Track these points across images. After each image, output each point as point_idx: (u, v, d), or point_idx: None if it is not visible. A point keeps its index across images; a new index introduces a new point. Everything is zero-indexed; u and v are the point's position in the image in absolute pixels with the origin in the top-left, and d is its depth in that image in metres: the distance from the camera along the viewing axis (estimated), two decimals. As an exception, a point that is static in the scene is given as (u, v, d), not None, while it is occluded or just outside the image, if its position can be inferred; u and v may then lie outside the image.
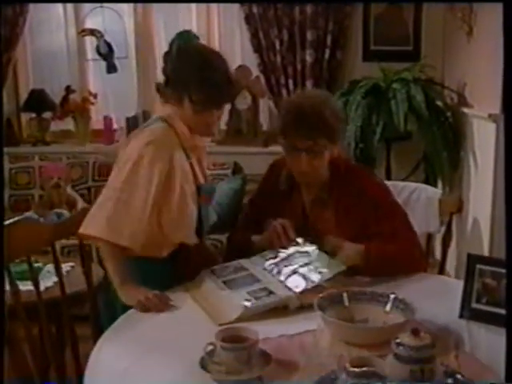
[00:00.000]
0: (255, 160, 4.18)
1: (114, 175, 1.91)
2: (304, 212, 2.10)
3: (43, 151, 4.40)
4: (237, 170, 4.02)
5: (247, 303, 1.71)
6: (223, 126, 4.51)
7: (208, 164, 4.00)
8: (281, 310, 1.72)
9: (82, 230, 1.85)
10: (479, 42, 3.43)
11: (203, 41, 4.41)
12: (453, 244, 3.42)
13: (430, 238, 2.39)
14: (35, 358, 1.86)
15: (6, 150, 4.29)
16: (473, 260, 1.68)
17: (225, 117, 4.49)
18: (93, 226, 1.83)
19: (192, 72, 1.93)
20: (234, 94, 2.04)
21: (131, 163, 1.86)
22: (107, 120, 4.55)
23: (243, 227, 2.20)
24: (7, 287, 1.82)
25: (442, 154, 3.69)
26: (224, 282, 1.85)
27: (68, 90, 4.49)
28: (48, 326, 1.96)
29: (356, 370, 1.18)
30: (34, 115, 4.55)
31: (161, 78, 4.57)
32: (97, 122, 4.65)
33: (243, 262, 1.95)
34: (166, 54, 2.03)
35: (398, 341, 1.29)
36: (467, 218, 3.47)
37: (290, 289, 1.76)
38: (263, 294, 1.75)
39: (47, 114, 4.55)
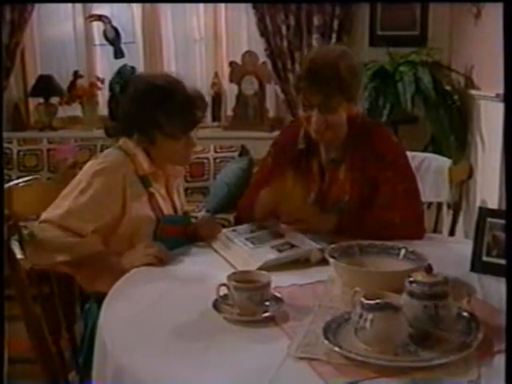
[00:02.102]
0: (261, 145, 4.17)
1: (60, 198, 1.84)
2: (322, 173, 2.06)
3: (50, 136, 4.43)
4: (243, 152, 4.03)
5: (270, 254, 1.73)
6: (230, 112, 4.53)
7: (215, 148, 4.07)
8: (301, 263, 1.73)
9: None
10: (487, 23, 3.44)
11: (209, 28, 4.49)
12: (460, 226, 3.43)
13: (439, 208, 2.39)
14: (47, 317, 1.87)
15: (13, 134, 4.35)
16: (483, 213, 1.68)
17: (232, 102, 4.51)
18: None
19: (156, 108, 1.87)
20: (204, 106, 1.98)
21: (77, 191, 1.81)
22: (114, 106, 4.57)
23: (255, 189, 2.13)
24: (19, 255, 1.84)
25: (450, 137, 3.69)
26: (246, 239, 1.87)
27: (75, 75, 4.52)
28: (59, 286, 1.96)
29: (370, 302, 1.19)
30: (41, 100, 4.58)
31: (168, 62, 4.60)
32: (104, 109, 4.66)
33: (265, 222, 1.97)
34: (114, 100, 1.96)
35: (411, 279, 1.30)
36: (475, 200, 3.46)
37: (312, 243, 1.78)
38: (286, 247, 1.78)
39: (55, 100, 4.57)
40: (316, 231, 1.88)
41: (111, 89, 1.79)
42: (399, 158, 2.01)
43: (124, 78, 1.90)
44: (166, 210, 1.98)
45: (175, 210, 2.05)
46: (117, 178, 1.84)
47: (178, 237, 1.95)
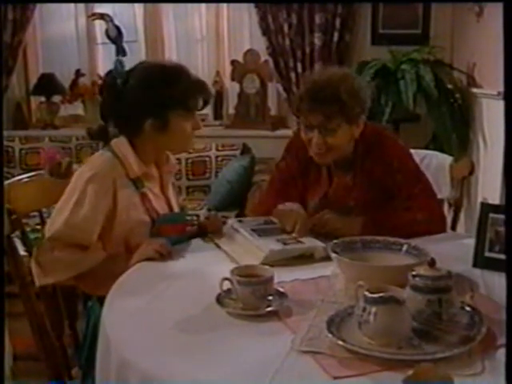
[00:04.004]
0: (263, 143, 4.20)
1: (57, 210, 1.84)
2: (330, 177, 2.07)
3: (52, 135, 4.45)
4: (245, 150, 4.04)
5: (275, 246, 1.73)
6: (232, 110, 4.54)
7: (216, 146, 4.07)
8: (304, 258, 1.73)
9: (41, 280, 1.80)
10: (489, 22, 3.44)
11: (211, 26, 4.49)
12: (461, 223, 3.42)
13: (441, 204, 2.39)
14: (49, 314, 1.87)
15: (15, 133, 4.36)
16: (486, 209, 1.68)
17: (233, 101, 4.52)
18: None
19: (171, 86, 1.85)
20: (209, 90, 1.98)
21: (72, 203, 1.80)
22: (116, 104, 4.57)
23: (271, 193, 2.16)
24: (23, 253, 1.84)
25: (451, 135, 3.69)
26: (253, 230, 1.86)
27: (77, 73, 4.54)
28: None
29: (374, 295, 1.19)
30: (43, 99, 4.59)
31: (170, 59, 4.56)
32: (106, 107, 4.68)
33: (272, 218, 1.97)
34: (115, 94, 1.91)
35: (414, 273, 1.30)
36: (476, 196, 3.47)
37: (317, 241, 1.79)
38: (291, 241, 1.78)
39: (57, 98, 4.60)
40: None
41: (110, 85, 1.75)
42: (407, 162, 2.03)
43: (124, 70, 1.88)
44: (161, 208, 1.95)
45: (170, 207, 2.03)
46: (108, 183, 1.82)
47: (176, 234, 1.93)
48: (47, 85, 4.53)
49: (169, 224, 1.93)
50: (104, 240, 1.86)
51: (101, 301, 1.62)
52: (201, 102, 1.93)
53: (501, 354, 1.18)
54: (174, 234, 1.92)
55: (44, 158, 4.10)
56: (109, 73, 1.98)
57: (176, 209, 2.05)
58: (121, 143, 1.90)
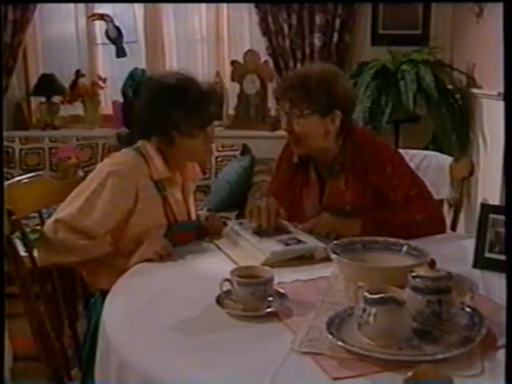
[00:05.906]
0: (263, 144, 4.20)
1: (72, 196, 1.85)
2: (321, 182, 2.08)
3: (52, 135, 4.45)
4: (245, 151, 4.04)
5: (277, 247, 1.73)
6: (232, 111, 4.53)
7: (216, 146, 4.07)
8: (304, 259, 1.73)
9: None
10: (489, 22, 3.44)
11: (211, 27, 4.50)
12: (461, 224, 3.43)
13: (440, 205, 2.38)
14: (49, 314, 1.87)
15: (15, 133, 4.37)
16: (486, 210, 1.68)
17: (233, 101, 4.52)
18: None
19: (171, 107, 1.86)
20: (218, 100, 1.97)
21: (90, 192, 1.81)
22: (116, 105, 4.56)
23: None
24: (23, 253, 1.84)
25: (451, 135, 3.69)
26: (253, 232, 1.86)
27: (77, 74, 4.53)
28: (61, 283, 1.97)
29: (374, 296, 1.19)
30: (43, 99, 4.59)
31: (170, 61, 4.59)
32: (106, 108, 4.68)
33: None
34: (127, 105, 1.96)
35: (414, 274, 1.30)
36: (476, 197, 3.47)
37: (318, 241, 1.79)
38: (292, 242, 1.78)
39: (57, 98, 4.60)
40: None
41: (124, 94, 1.79)
42: (400, 166, 2.03)
43: (136, 81, 1.91)
44: (180, 214, 1.95)
45: (189, 214, 2.03)
46: (130, 181, 1.83)
47: (187, 241, 1.93)
48: (47, 85, 4.53)
49: (184, 231, 1.94)
50: (116, 236, 1.87)
51: (103, 297, 1.62)
52: (205, 120, 1.91)
53: (501, 354, 1.18)
54: (186, 241, 1.92)
55: (61, 151, 4.11)
56: (127, 79, 2.02)
57: (193, 217, 2.06)
58: (149, 144, 1.91)
